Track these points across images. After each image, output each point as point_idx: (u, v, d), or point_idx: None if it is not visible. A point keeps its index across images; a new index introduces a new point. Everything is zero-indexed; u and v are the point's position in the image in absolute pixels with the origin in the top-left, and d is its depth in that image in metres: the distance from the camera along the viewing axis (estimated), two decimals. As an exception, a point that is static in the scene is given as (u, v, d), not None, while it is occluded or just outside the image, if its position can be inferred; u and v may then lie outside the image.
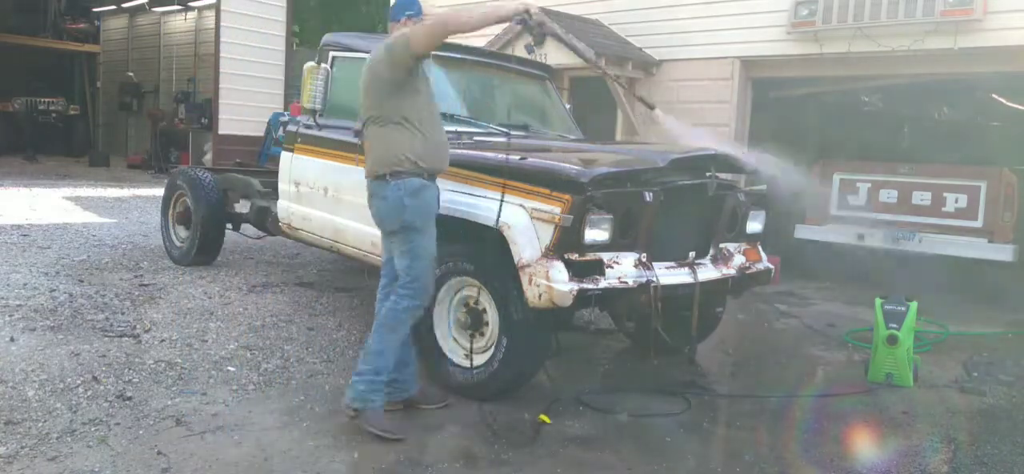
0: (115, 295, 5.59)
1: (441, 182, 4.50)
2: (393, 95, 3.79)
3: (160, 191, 7.62)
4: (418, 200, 3.80)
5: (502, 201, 4.05)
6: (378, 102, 3.82)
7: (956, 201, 7.93)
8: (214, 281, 6.28)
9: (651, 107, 5.07)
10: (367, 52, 5.22)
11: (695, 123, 8.71)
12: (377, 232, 4.97)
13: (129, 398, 3.90)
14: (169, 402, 3.91)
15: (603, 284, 3.92)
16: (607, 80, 8.59)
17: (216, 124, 13.17)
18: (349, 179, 5.21)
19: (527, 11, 4.02)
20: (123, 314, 5.20)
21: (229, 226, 6.96)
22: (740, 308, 6.73)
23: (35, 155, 16.23)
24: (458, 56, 5.59)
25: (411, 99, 3.80)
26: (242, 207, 7.02)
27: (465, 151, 4.63)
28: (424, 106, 3.86)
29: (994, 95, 11.07)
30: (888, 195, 8.33)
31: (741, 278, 4.67)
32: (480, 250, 4.18)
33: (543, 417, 4.02)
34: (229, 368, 4.45)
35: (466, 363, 4.29)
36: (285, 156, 5.79)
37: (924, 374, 5.16)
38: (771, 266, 4.99)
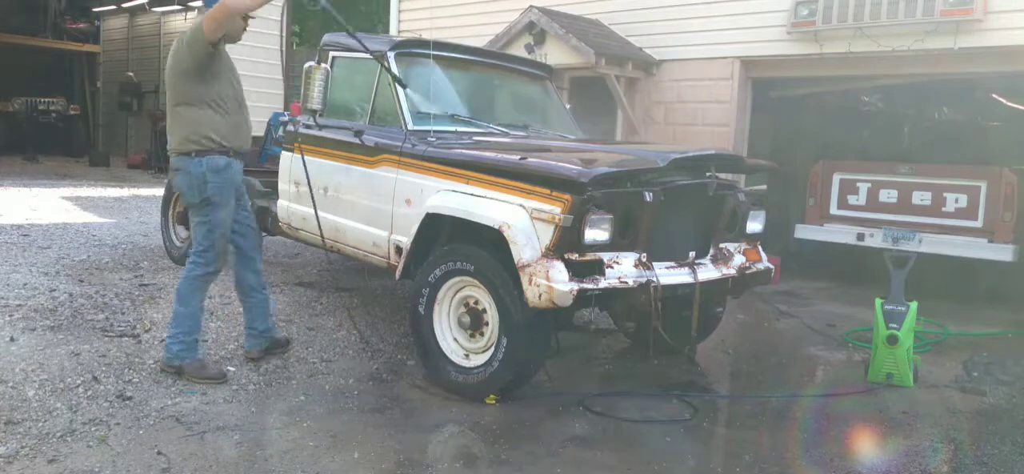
0: (115, 295, 5.59)
1: (440, 182, 4.52)
2: (197, 80, 4.09)
3: (160, 191, 7.62)
4: (220, 177, 4.15)
5: (502, 202, 4.05)
6: (185, 87, 4.14)
7: (956, 201, 7.93)
8: (214, 281, 6.27)
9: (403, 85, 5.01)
10: (367, 52, 5.25)
11: (695, 123, 8.76)
12: (377, 232, 5.01)
13: (129, 398, 3.90)
14: (169, 402, 3.91)
15: (603, 284, 3.92)
16: (607, 81, 8.61)
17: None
18: (349, 179, 5.22)
19: None
20: (123, 314, 5.19)
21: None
22: (740, 308, 6.73)
23: (35, 155, 16.20)
24: (459, 56, 5.60)
25: (213, 83, 4.14)
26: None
27: (465, 151, 4.63)
28: (226, 88, 4.23)
29: (994, 95, 11.05)
30: (888, 195, 8.34)
31: (741, 278, 4.67)
32: (480, 250, 4.18)
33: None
34: (229, 368, 4.44)
35: (466, 363, 4.30)
36: (285, 156, 5.81)
37: (924, 374, 5.16)
38: (771, 266, 4.99)
